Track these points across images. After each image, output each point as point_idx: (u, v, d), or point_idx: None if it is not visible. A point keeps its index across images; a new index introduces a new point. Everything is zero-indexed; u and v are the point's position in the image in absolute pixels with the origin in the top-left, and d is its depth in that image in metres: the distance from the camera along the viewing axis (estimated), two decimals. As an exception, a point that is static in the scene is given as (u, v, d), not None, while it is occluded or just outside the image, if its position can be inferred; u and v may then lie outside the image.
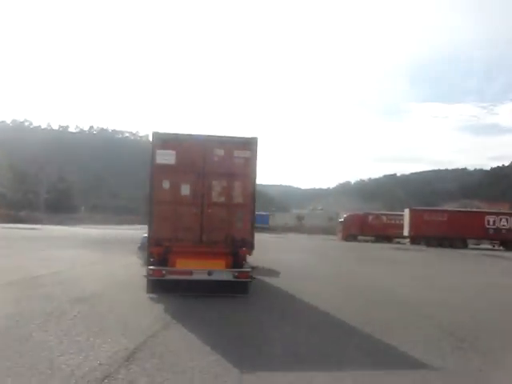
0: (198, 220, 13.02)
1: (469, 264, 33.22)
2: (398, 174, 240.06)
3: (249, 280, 12.89)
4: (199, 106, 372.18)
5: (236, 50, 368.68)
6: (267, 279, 17.17)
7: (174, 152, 13.01)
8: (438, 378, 6.94)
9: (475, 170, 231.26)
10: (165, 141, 13.19)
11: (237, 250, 13.02)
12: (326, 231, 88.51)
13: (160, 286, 12.49)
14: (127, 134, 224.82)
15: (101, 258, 23.49)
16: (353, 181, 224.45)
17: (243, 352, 7.67)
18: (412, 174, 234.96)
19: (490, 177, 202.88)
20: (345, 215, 71.25)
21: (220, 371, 6.66)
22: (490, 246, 60.67)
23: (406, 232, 58.51)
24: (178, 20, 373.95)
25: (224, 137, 13.48)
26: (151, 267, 12.63)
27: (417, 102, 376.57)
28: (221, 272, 12.67)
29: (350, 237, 65.20)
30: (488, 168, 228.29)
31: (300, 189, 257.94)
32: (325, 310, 11.92)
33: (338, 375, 6.83)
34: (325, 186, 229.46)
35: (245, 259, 13.45)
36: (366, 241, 65.72)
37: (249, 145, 13.34)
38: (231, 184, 13.19)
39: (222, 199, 13.18)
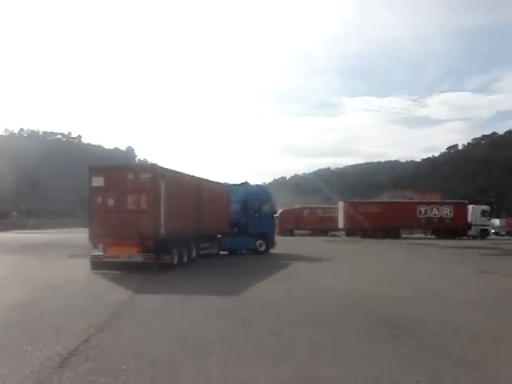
0: (120, 222, 18.82)
1: (401, 253, 34.09)
2: (333, 168, 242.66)
3: (153, 261, 18.81)
4: (127, 103, 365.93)
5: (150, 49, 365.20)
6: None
7: (102, 178, 19.44)
8: (370, 366, 7.15)
9: (407, 161, 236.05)
10: (97, 170, 20.11)
11: (145, 242, 18.62)
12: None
13: (99, 266, 19.01)
14: (59, 136, 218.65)
15: (35, 263, 22.96)
16: (288, 176, 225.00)
17: (177, 353, 7.69)
18: (346, 167, 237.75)
19: (421, 168, 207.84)
20: (280, 210, 71.64)
21: (155, 373, 6.67)
22: (422, 235, 62.43)
23: (340, 224, 59.26)
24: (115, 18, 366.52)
25: (134, 164, 24.70)
26: (93, 253, 19.37)
27: (349, 97, 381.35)
28: (135, 256, 18.87)
29: (286, 231, 65.50)
30: (419, 159, 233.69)
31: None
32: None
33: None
34: (260, 182, 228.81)
35: (150, 248, 18.72)
36: (302, 235, 66.33)
37: (150, 169, 20.80)
38: (139, 197, 19.14)
39: (134, 207, 19.14)
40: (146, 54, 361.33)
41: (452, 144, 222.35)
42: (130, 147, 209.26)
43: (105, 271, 18.57)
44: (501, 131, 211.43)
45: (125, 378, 6.46)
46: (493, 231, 70.66)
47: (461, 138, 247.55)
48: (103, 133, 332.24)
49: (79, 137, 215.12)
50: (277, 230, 68.51)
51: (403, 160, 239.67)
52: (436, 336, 8.97)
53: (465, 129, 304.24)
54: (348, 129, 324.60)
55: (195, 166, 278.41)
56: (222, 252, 28.94)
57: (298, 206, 74.67)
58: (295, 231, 67.40)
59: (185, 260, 21.56)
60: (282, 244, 33.15)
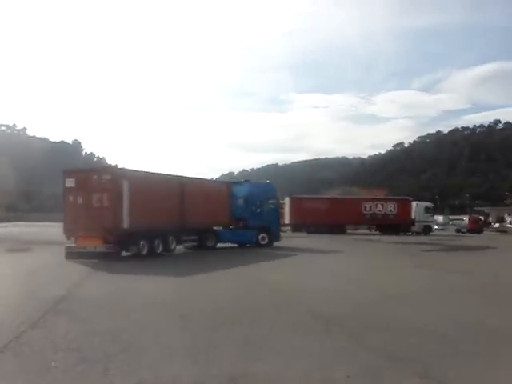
0: (87, 217, 21.62)
1: (346, 248, 34.41)
2: (281, 164, 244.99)
3: (114, 252, 21.80)
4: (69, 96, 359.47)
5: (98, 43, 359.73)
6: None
7: (73, 179, 22.51)
8: (301, 360, 7.17)
9: (354, 158, 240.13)
10: (69, 173, 23.25)
11: (107, 235, 21.38)
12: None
13: (72, 255, 21.54)
14: (3, 128, 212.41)
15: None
16: (236, 171, 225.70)
17: (110, 349, 7.53)
18: (293, 163, 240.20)
19: (368, 165, 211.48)
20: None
21: (85, 369, 6.52)
22: (367, 231, 63.38)
23: (286, 220, 59.38)
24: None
25: (98, 167, 31.53)
26: (67, 245, 22.17)
27: (297, 93, 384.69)
28: (100, 247, 21.47)
29: (233, 227, 65.46)
30: (366, 156, 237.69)
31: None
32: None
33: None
34: (208, 177, 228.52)
35: (112, 240, 21.54)
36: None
37: (110, 170, 25.27)
38: (102, 195, 21.76)
39: (98, 205, 21.71)
40: (91, 46, 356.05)
41: (398, 142, 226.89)
42: (76, 140, 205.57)
43: (75, 260, 21.07)
44: (445, 130, 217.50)
45: (53, 374, 6.30)
46: (441, 228, 72.39)
47: (407, 135, 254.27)
48: (49, 125, 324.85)
49: (24, 129, 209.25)
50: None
51: (350, 157, 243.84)
52: (371, 331, 9.04)
53: (411, 127, 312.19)
54: (297, 125, 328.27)
55: (145, 160, 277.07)
56: (229, 245, 31.52)
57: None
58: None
59: (159, 251, 24.18)
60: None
